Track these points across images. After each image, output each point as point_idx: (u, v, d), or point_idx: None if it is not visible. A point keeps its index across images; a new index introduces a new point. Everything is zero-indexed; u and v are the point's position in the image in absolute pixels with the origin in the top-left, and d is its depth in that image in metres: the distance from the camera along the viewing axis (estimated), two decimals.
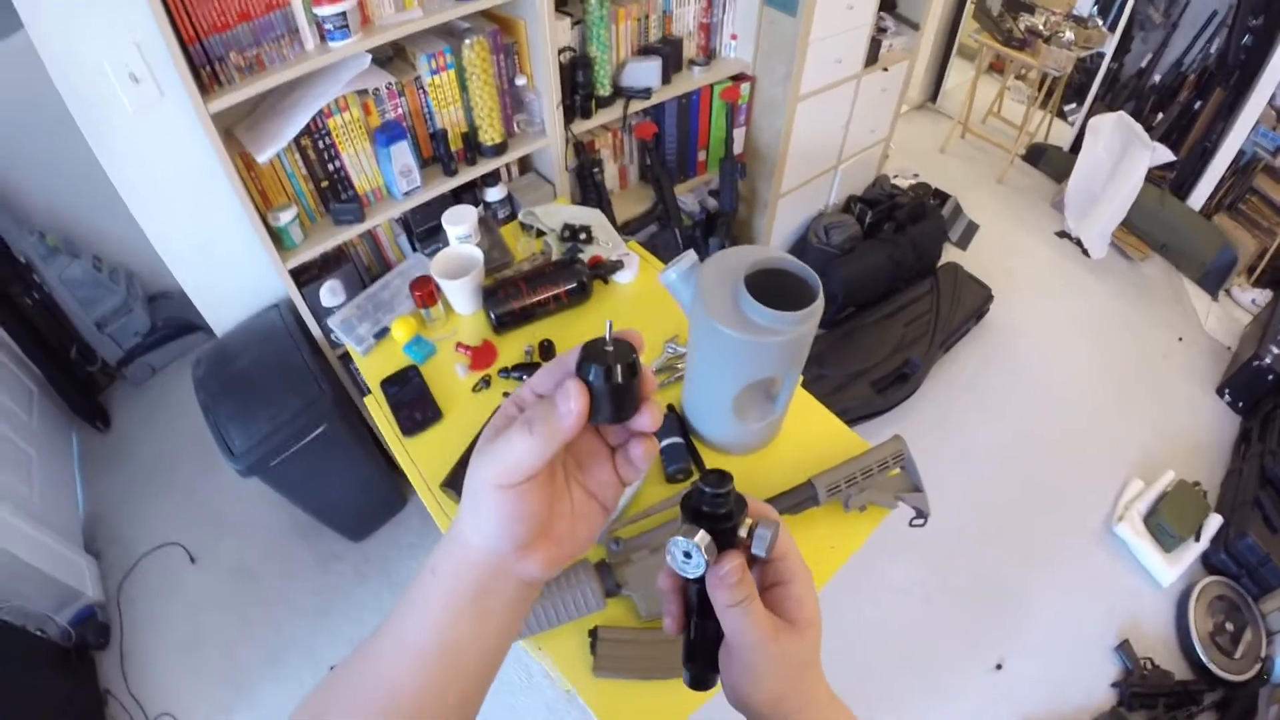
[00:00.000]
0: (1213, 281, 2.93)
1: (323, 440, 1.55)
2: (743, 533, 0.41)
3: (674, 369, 1.22)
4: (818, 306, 0.90)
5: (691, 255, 1.01)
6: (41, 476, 1.99)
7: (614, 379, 0.35)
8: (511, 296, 1.27)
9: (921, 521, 1.08)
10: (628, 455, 0.40)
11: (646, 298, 1.38)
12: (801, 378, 1.23)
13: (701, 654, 0.44)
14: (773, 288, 0.93)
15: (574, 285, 1.30)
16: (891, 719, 1.75)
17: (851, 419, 2.27)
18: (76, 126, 1.28)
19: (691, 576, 0.40)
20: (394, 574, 1.99)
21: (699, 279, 0.95)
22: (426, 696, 0.37)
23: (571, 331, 1.33)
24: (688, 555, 0.39)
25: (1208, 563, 2.08)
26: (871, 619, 1.92)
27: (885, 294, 2.59)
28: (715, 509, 0.40)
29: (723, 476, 0.40)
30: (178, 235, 1.52)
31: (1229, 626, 1.92)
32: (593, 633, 0.94)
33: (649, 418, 0.38)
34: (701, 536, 0.39)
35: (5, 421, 1.97)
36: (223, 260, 1.60)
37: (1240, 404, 2.48)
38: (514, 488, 0.35)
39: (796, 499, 1.03)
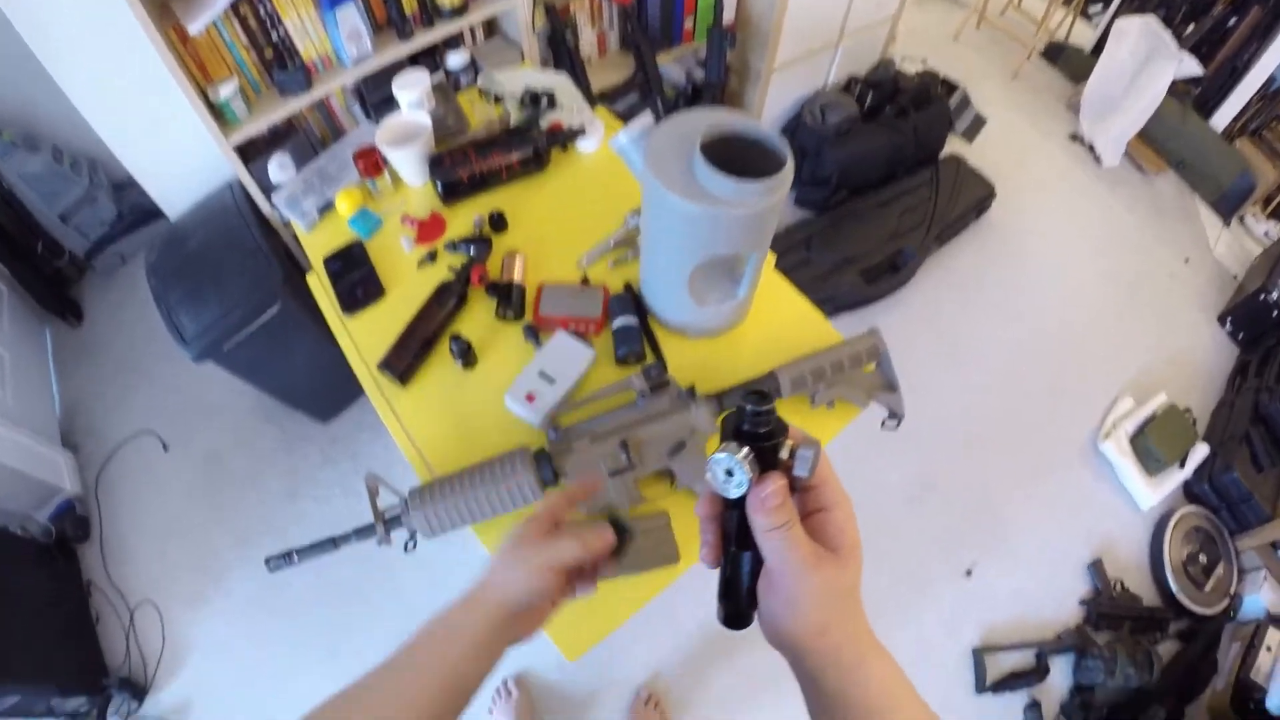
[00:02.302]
0: (1227, 206, 2.82)
1: (278, 321, 1.50)
2: (784, 455, 0.40)
3: (633, 243, 1.14)
4: (784, 177, 0.82)
5: (646, 118, 0.92)
6: (15, 377, 1.97)
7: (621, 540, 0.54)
8: (460, 164, 1.17)
9: (894, 424, 1.01)
10: (584, 581, 0.56)
11: (609, 167, 1.28)
12: (774, 257, 1.15)
13: (739, 588, 0.43)
14: (736, 157, 0.84)
15: (528, 153, 1.20)
16: None
17: (837, 307, 2.23)
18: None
19: (733, 496, 0.39)
20: (360, 455, 1.99)
21: (651, 143, 0.86)
22: None
23: (527, 202, 1.24)
24: (729, 474, 0.38)
25: (1189, 492, 2.07)
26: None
27: (882, 180, 2.48)
28: (756, 428, 0.39)
29: (764, 395, 0.39)
30: (120, 118, 1.46)
31: (1202, 559, 1.92)
32: None
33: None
34: (745, 452, 0.38)
35: None
36: (168, 140, 1.53)
37: (1240, 335, 2.43)
38: (552, 569, 0.51)
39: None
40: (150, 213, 2.32)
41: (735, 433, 0.39)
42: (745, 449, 0.38)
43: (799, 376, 0.95)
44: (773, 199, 0.83)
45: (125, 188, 2.35)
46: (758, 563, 0.41)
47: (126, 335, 2.27)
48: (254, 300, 1.45)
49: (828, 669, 0.40)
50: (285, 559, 0.83)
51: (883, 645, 0.43)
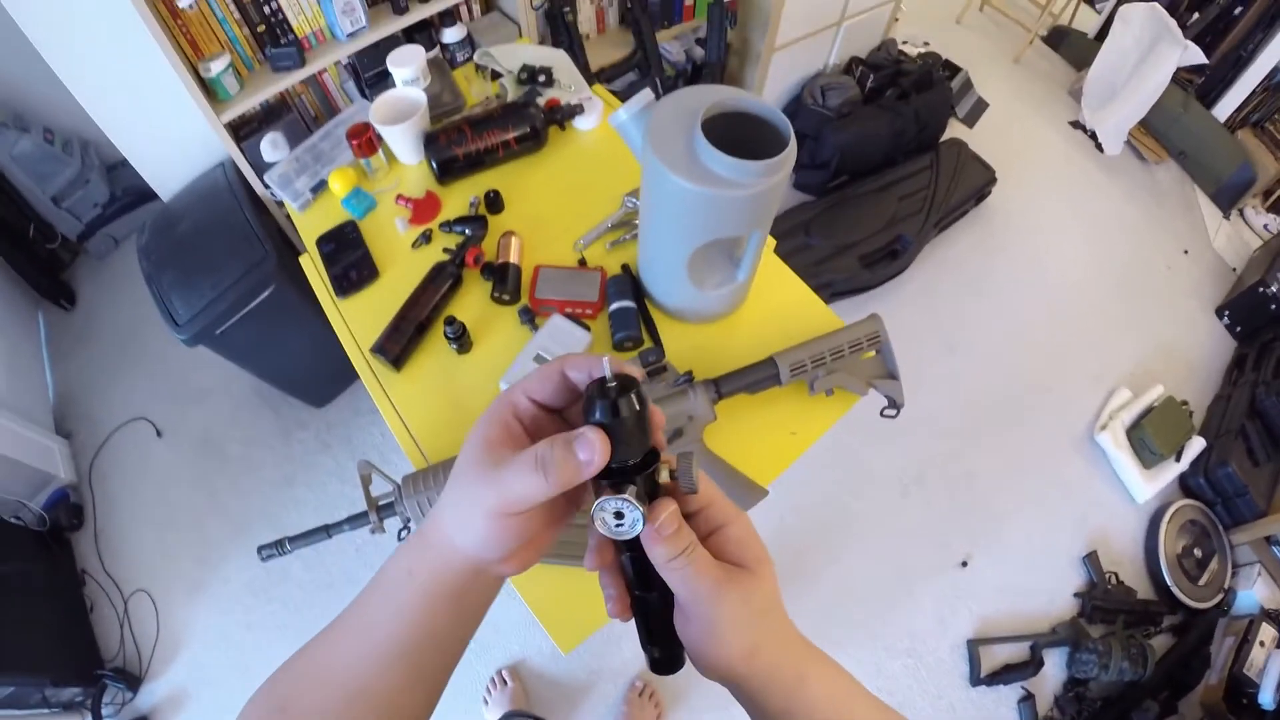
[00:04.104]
0: (1227, 198, 2.81)
1: (271, 304, 1.48)
2: (664, 477, 0.36)
3: (632, 225, 1.12)
4: (787, 156, 0.79)
5: (647, 94, 0.89)
6: (8, 362, 1.96)
7: (624, 423, 0.34)
8: (455, 142, 1.15)
9: (894, 412, 0.99)
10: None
11: (608, 146, 1.26)
12: (774, 242, 1.14)
13: (661, 631, 0.39)
14: (738, 136, 0.81)
15: (525, 130, 1.18)
16: (854, 608, 1.76)
17: (835, 293, 2.21)
18: None
19: (630, 537, 0.36)
20: (355, 441, 1.98)
21: (652, 121, 0.84)
22: (402, 691, 0.37)
23: (523, 182, 1.22)
24: (619, 516, 0.35)
25: (1185, 485, 2.06)
26: (845, 505, 1.91)
27: (882, 164, 2.46)
28: (625, 460, 0.35)
29: (617, 425, 0.34)
30: (110, 96, 1.43)
31: (1197, 552, 1.92)
32: None
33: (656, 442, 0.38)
34: (631, 490, 0.34)
35: None
36: (160, 119, 1.50)
37: (1238, 328, 2.42)
38: (513, 516, 0.35)
39: (756, 376, 0.93)
40: (144, 194, 2.30)
41: (605, 471, 0.35)
42: (629, 486, 0.35)
43: (798, 363, 0.94)
44: (775, 179, 0.81)
45: (118, 168, 2.33)
46: (668, 599, 0.38)
47: (120, 319, 2.25)
48: (247, 283, 1.42)
49: (769, 691, 0.38)
50: (277, 548, 0.82)
51: (821, 652, 0.40)
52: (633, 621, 0.41)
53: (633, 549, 0.37)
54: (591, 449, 0.33)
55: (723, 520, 0.39)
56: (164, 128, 1.51)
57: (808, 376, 0.95)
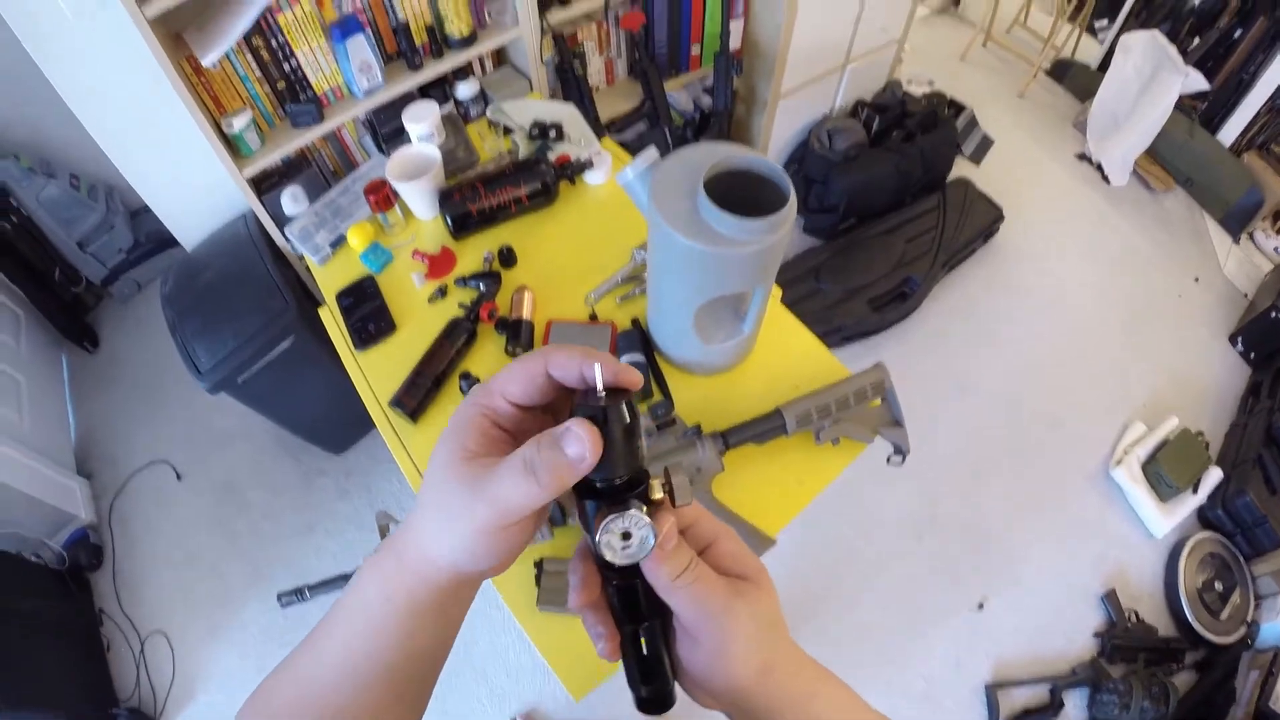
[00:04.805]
0: (1236, 223, 2.78)
1: (291, 354, 1.51)
2: (657, 494, 0.34)
3: (641, 278, 1.15)
4: (787, 214, 0.81)
5: (652, 153, 0.92)
6: (32, 402, 1.99)
7: (615, 439, 0.31)
8: (469, 199, 1.18)
9: (900, 459, 1.00)
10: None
11: (618, 200, 1.30)
12: (780, 292, 1.16)
13: (655, 666, 0.36)
14: (741, 192, 0.84)
15: (536, 187, 1.22)
16: (868, 651, 1.75)
17: (846, 337, 2.21)
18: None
19: (641, 558, 0.33)
20: (375, 489, 1.99)
21: (656, 179, 0.87)
22: (387, 708, 0.36)
23: (535, 237, 1.25)
24: (626, 537, 0.32)
25: (1203, 517, 2.03)
26: (858, 550, 1.90)
27: (889, 206, 2.47)
28: (612, 479, 0.33)
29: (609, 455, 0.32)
30: (135, 148, 1.48)
31: (1218, 586, 1.89)
32: (537, 564, 0.90)
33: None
34: (638, 505, 0.32)
35: None
36: (183, 171, 1.55)
37: (1252, 355, 2.38)
38: (496, 531, 0.32)
39: (762, 428, 0.95)
40: (167, 240, 2.34)
41: (593, 492, 0.33)
42: (634, 503, 0.32)
43: (804, 413, 0.95)
44: (777, 235, 0.82)
45: (141, 214, 2.38)
46: (667, 627, 0.36)
47: (142, 362, 2.30)
48: (268, 333, 1.46)
49: (781, 711, 0.36)
50: (297, 595, 0.84)
51: (826, 669, 0.39)
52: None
53: (624, 576, 0.35)
54: (581, 443, 0.31)
55: (711, 535, 0.37)
56: (187, 180, 1.56)
57: (814, 426, 0.97)
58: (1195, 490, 1.99)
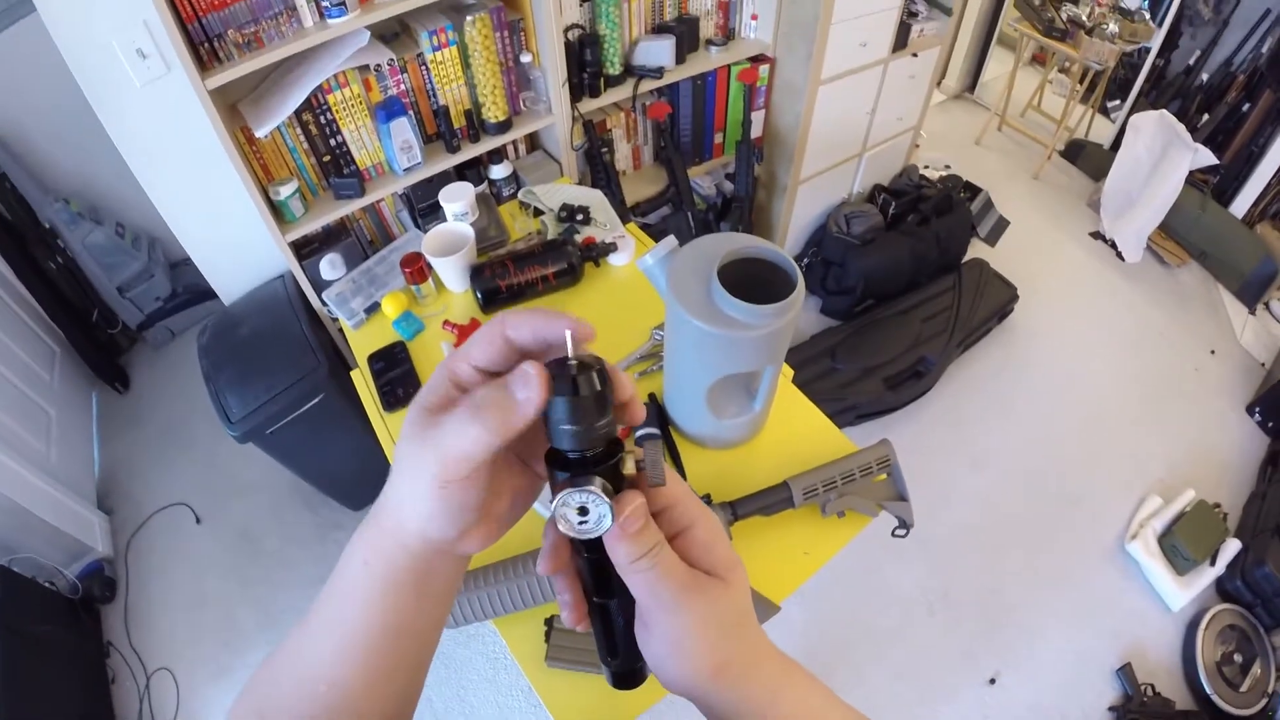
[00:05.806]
0: (1251, 293, 2.80)
1: (319, 410, 1.56)
2: (629, 468, 0.33)
3: (659, 356, 1.20)
4: (795, 299, 0.86)
5: (671, 241, 0.98)
6: (60, 434, 2.06)
7: (584, 405, 0.31)
8: (498, 275, 1.25)
9: (904, 532, 1.02)
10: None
11: (638, 282, 1.35)
12: (791, 371, 1.20)
13: (622, 642, 0.36)
14: (753, 278, 0.89)
15: (563, 266, 1.28)
16: None
17: (860, 415, 2.23)
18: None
19: (596, 535, 0.32)
20: None
21: (673, 266, 0.93)
22: (374, 686, 0.35)
23: None
24: (583, 512, 0.31)
25: (1222, 589, 2.00)
26: (869, 622, 1.88)
27: (906, 288, 2.52)
28: (585, 449, 0.32)
29: (577, 390, 0.31)
30: (185, 206, 1.56)
31: (1237, 658, 1.85)
32: (548, 621, 0.93)
33: (632, 415, 0.35)
34: (599, 482, 0.31)
35: (26, 381, 2.04)
36: (228, 231, 1.63)
37: (1270, 424, 2.37)
38: (460, 481, 0.31)
39: (770, 500, 0.99)
40: (204, 293, 2.45)
41: (565, 465, 0.32)
42: (595, 479, 0.31)
43: (810, 487, 0.99)
44: (785, 320, 0.87)
45: (180, 266, 2.49)
46: (629, 606, 0.35)
47: (169, 407, 2.37)
48: (300, 389, 1.51)
49: (739, 712, 0.34)
50: None
51: (797, 666, 0.37)
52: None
53: (592, 550, 0.34)
54: (529, 383, 0.30)
55: (689, 520, 0.35)
56: (231, 239, 1.64)
57: (820, 499, 1.00)
58: (1213, 562, 1.97)
